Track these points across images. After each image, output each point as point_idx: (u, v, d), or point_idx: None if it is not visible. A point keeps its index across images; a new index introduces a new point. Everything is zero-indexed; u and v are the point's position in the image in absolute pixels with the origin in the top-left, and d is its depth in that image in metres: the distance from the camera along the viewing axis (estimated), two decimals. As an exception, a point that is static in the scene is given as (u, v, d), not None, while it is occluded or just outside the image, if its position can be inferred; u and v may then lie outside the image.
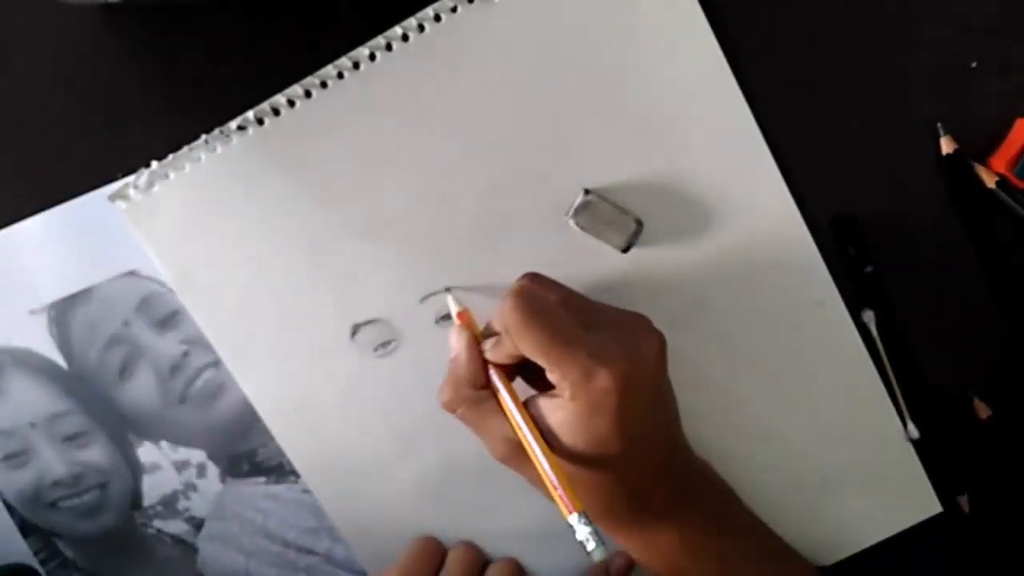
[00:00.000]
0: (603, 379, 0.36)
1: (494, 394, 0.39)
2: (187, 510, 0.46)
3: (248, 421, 0.44)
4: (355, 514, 0.46)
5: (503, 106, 0.43)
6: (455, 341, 0.40)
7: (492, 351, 0.39)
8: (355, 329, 0.44)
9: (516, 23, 0.42)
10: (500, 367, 0.39)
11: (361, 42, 0.41)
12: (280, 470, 0.45)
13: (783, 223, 0.45)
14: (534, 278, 0.41)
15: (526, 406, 0.39)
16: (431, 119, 0.43)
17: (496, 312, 0.39)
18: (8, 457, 0.45)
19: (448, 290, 0.43)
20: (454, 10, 0.41)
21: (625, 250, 0.43)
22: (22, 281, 0.43)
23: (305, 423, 0.44)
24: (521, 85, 0.43)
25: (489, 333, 0.40)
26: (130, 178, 0.42)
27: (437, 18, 0.41)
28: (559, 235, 0.44)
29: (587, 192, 0.43)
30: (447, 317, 0.44)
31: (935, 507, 0.48)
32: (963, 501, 0.48)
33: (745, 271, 0.45)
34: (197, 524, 0.46)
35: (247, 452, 0.45)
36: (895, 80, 0.44)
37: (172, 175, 0.42)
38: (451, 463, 0.46)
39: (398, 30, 0.41)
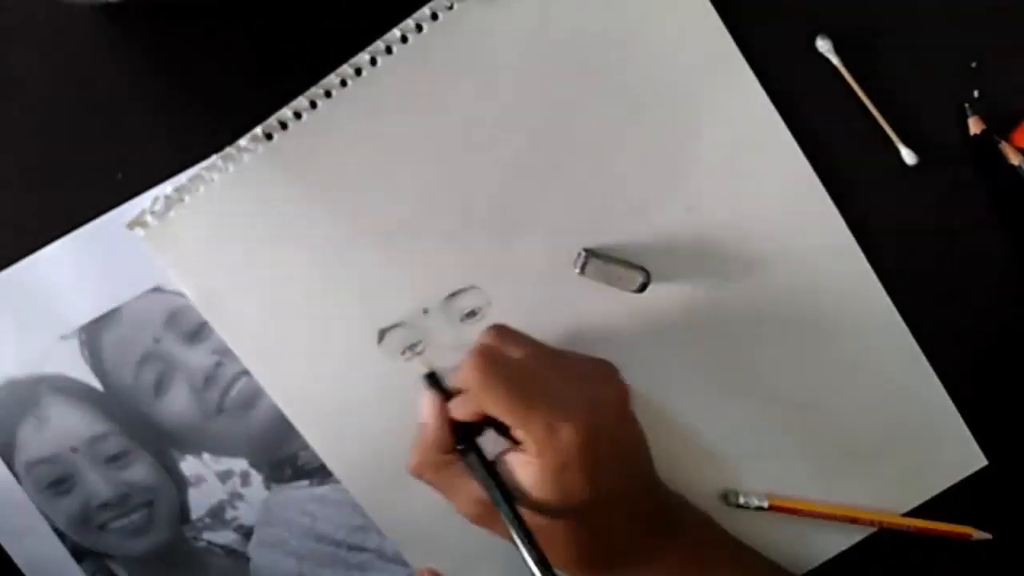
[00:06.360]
0: (567, 435, 0.37)
1: (462, 456, 0.39)
2: (235, 519, 0.46)
3: (286, 425, 0.44)
4: (396, 514, 0.45)
5: (510, 100, 0.43)
6: (423, 406, 0.41)
7: (458, 409, 0.40)
8: (382, 335, 0.44)
9: (516, 17, 0.42)
10: (469, 423, 0.40)
11: (367, 36, 0.42)
12: (323, 472, 0.45)
13: (808, 196, 0.45)
14: (498, 333, 0.41)
15: (495, 464, 0.39)
16: (438, 117, 0.43)
17: (460, 371, 0.39)
18: (53, 484, 0.45)
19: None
20: (450, 7, 0.42)
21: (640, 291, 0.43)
22: (49, 308, 0.43)
23: (340, 432, 0.44)
24: (528, 76, 0.43)
25: (459, 390, 0.40)
26: (145, 203, 0.42)
27: (434, 16, 0.42)
28: (576, 223, 0.44)
29: (587, 252, 0.43)
30: (472, 314, 0.44)
31: (980, 461, 0.48)
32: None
33: (773, 249, 0.45)
34: (246, 532, 0.46)
35: (288, 456, 0.45)
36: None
37: (187, 198, 0.42)
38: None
39: (397, 32, 0.42)
